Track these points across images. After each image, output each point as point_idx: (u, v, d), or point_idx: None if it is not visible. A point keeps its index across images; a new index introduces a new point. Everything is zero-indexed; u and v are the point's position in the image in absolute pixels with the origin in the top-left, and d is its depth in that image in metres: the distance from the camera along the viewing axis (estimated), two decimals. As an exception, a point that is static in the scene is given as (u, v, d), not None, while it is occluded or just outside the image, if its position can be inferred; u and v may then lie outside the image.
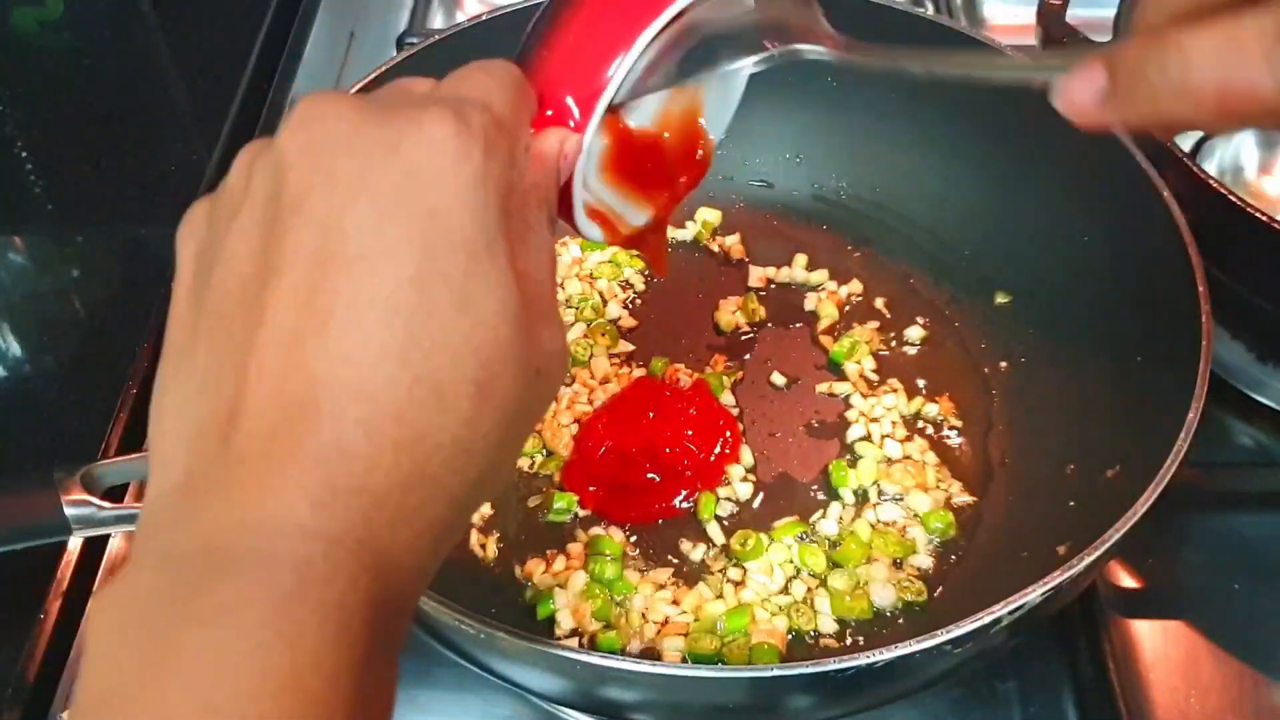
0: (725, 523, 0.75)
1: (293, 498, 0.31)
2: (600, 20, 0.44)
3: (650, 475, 0.76)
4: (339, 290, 0.33)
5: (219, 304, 0.35)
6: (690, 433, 0.78)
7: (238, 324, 0.34)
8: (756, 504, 0.76)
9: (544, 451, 0.79)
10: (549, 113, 0.43)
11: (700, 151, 0.54)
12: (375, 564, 0.32)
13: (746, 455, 0.78)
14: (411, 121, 0.35)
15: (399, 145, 0.35)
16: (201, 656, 0.28)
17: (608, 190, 0.49)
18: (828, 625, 0.70)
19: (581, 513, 0.75)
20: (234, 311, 0.34)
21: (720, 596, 0.71)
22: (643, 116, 0.49)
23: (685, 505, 0.75)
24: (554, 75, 0.43)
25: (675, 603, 0.70)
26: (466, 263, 0.34)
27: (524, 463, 0.78)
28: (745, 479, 0.77)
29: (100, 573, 0.77)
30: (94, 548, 0.77)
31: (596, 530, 0.74)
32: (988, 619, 0.53)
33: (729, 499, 0.76)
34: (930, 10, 1.07)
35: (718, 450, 0.77)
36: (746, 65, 0.48)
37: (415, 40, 1.00)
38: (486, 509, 0.76)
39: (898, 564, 0.72)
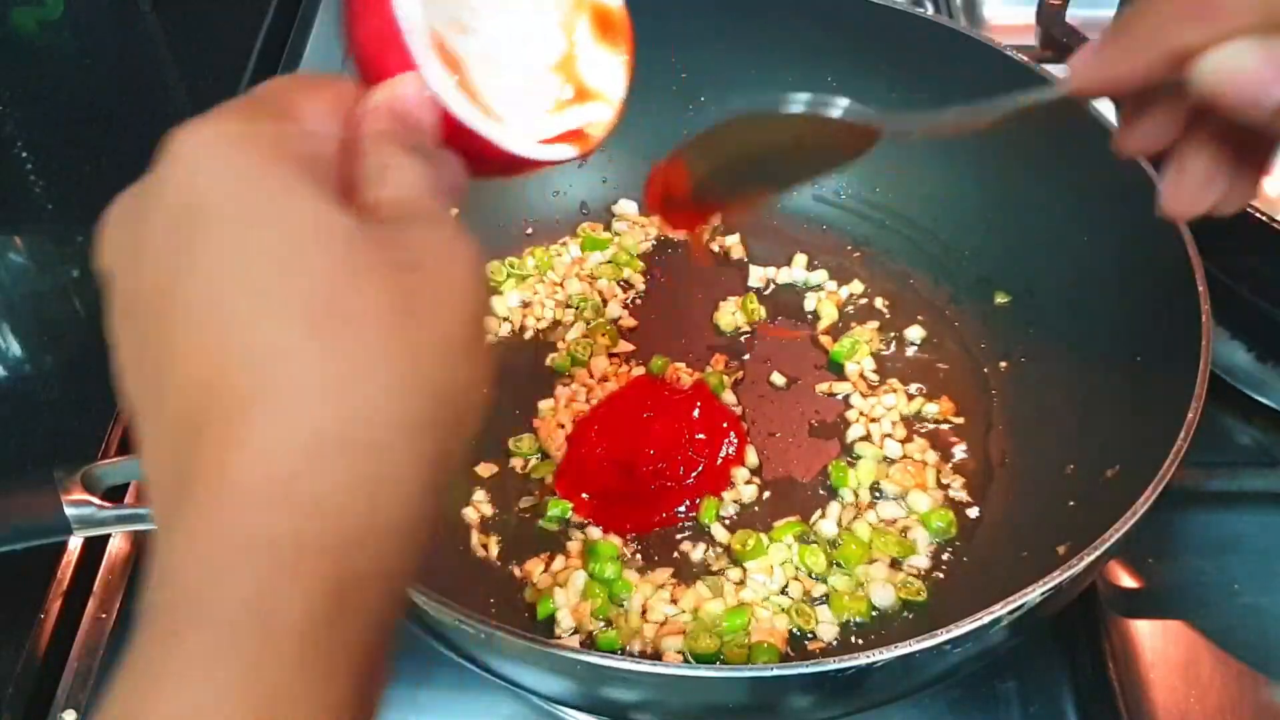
0: (726, 522, 0.75)
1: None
2: None
3: (651, 485, 0.75)
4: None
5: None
6: (692, 436, 0.77)
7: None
8: (757, 504, 0.76)
9: (539, 454, 0.79)
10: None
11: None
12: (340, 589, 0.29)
13: (751, 456, 0.78)
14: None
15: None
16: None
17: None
18: (827, 625, 0.70)
19: (577, 518, 0.75)
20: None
21: (720, 596, 0.71)
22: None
23: (689, 513, 0.75)
24: (367, 55, 0.40)
25: (674, 602, 0.70)
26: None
27: (518, 463, 0.78)
28: (750, 481, 0.77)
29: (100, 572, 0.77)
30: (94, 548, 0.77)
31: (594, 532, 0.74)
32: (987, 619, 0.53)
33: (734, 501, 0.76)
34: (930, 10, 1.07)
35: (723, 454, 0.77)
36: None
37: (415, 40, 1.00)
38: (487, 509, 0.76)
39: (897, 564, 0.72)
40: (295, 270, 0.30)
